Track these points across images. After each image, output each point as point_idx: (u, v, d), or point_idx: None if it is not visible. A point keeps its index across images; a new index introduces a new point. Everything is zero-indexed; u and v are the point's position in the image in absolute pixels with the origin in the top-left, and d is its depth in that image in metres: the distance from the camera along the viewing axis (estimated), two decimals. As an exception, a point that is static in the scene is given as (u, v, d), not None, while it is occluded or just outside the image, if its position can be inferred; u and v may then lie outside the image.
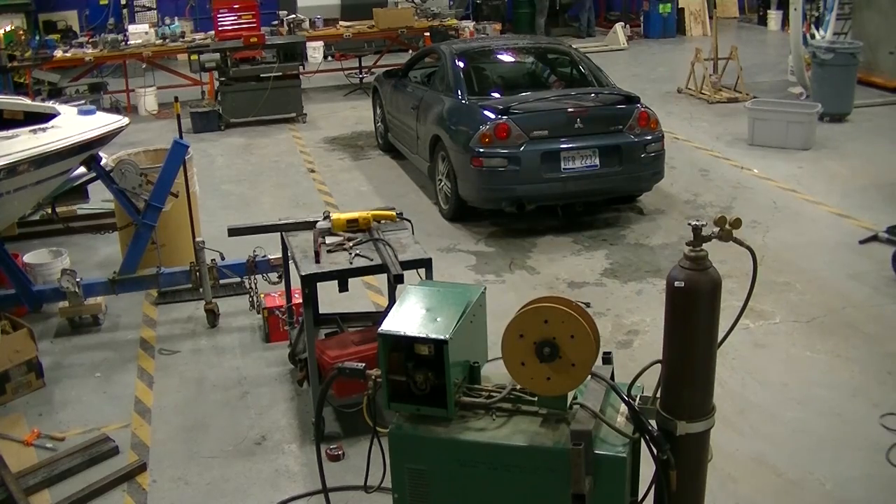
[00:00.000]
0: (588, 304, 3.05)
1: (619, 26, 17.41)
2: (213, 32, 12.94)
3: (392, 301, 4.64)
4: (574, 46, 9.80)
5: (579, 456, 2.70)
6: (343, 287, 4.80)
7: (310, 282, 4.72)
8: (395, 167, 9.97)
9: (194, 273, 6.26)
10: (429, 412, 2.97)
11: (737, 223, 2.82)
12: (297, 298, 5.59)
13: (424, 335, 2.94)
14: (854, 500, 4.31)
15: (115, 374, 5.71)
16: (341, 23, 14.31)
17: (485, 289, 3.31)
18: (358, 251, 4.82)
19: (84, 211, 8.25)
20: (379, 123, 10.61)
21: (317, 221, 5.07)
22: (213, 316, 6.27)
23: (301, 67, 12.66)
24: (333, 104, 13.39)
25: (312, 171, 9.98)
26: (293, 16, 13.55)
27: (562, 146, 7.58)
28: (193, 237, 6.49)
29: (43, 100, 10.13)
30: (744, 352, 5.60)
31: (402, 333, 2.98)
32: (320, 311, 5.35)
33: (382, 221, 5.13)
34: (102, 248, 7.71)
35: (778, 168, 9.29)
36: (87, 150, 5.95)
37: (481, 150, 7.52)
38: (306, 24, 13.66)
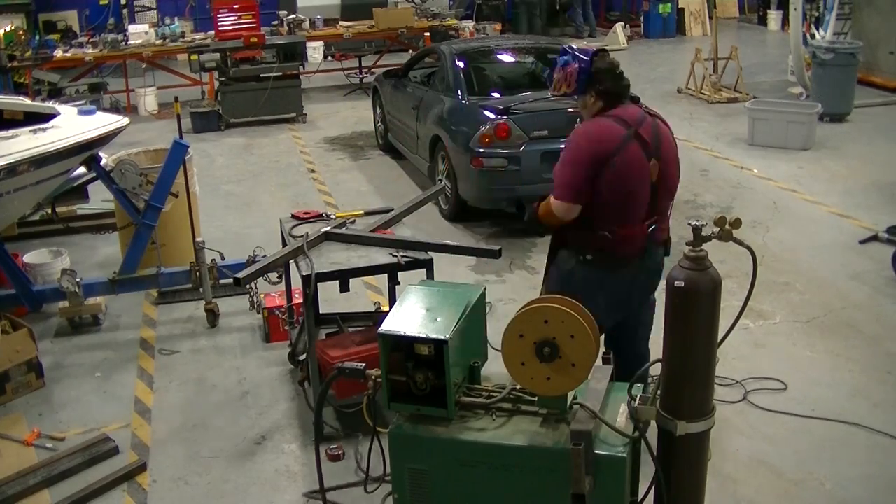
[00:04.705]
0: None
1: (619, 26, 17.41)
2: (213, 32, 12.92)
3: (393, 301, 4.63)
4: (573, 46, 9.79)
5: (579, 456, 2.70)
6: (344, 287, 4.81)
7: (310, 282, 4.72)
8: (395, 167, 9.97)
9: (194, 273, 6.27)
10: (429, 412, 2.97)
11: (737, 223, 2.83)
12: (298, 298, 5.59)
13: (424, 335, 2.94)
14: (854, 500, 4.30)
15: (115, 374, 5.71)
16: (341, 23, 14.31)
17: (485, 289, 3.31)
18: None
19: (84, 211, 8.24)
20: (379, 123, 10.61)
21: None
22: (213, 316, 6.27)
23: (301, 67, 12.65)
24: (333, 104, 13.38)
25: (312, 171, 9.98)
26: (293, 16, 13.55)
27: (562, 146, 7.53)
28: (193, 237, 6.49)
29: (43, 100, 10.13)
30: (744, 352, 5.60)
31: (402, 333, 2.98)
32: (321, 311, 5.35)
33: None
34: (102, 248, 7.71)
35: (778, 168, 9.29)
36: (87, 150, 5.95)
37: (481, 150, 7.51)
38: (306, 24, 13.66)
